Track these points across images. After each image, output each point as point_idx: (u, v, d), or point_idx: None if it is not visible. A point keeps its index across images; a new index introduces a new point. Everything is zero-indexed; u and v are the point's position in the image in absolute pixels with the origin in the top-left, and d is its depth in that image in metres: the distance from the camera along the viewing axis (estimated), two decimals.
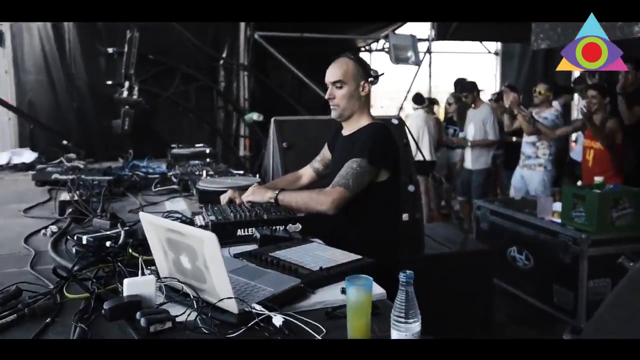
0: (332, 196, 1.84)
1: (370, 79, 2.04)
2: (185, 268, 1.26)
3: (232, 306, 1.18)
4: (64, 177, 2.84)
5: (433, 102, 6.34)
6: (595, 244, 3.03)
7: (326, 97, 2.05)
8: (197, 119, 5.90)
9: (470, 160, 5.30)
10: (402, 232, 2.62)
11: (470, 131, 5.30)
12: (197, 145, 4.20)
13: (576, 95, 7.34)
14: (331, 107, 2.05)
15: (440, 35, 6.98)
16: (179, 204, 2.48)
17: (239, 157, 6.06)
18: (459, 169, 5.71)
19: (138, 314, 1.10)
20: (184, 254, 1.24)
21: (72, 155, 4.14)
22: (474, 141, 5.23)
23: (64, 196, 2.30)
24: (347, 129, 2.10)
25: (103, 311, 1.14)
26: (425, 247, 3.03)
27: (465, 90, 5.38)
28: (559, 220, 3.30)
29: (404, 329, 1.02)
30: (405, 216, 2.81)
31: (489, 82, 9.51)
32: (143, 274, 1.24)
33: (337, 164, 2.07)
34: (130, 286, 1.19)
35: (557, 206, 3.39)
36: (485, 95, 8.76)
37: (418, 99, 5.96)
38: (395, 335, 1.03)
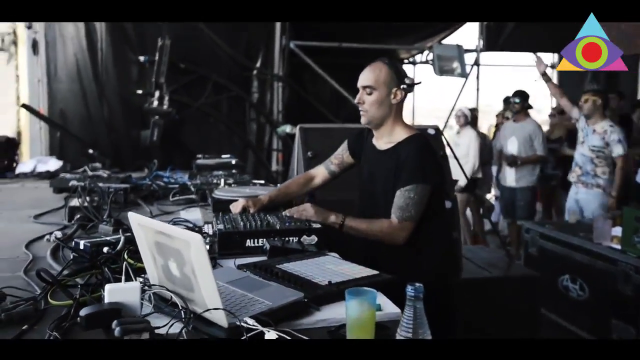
0: (404, 233, 1.88)
1: (403, 86, 1.98)
2: (173, 275, 1.19)
3: (221, 319, 1.10)
4: (80, 183, 2.87)
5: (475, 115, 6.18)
6: None
7: (355, 101, 2.02)
8: (228, 131, 5.94)
9: (514, 177, 5.08)
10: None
11: (513, 146, 5.09)
12: (223, 156, 4.20)
13: None
14: (360, 112, 2.01)
15: (490, 45, 6.81)
16: (194, 214, 2.44)
17: (271, 172, 6.05)
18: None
19: (114, 323, 1.04)
20: (172, 259, 1.17)
21: (97, 165, 4.21)
22: (525, 158, 5.02)
23: (74, 202, 2.30)
24: (382, 141, 2.04)
25: (79, 319, 1.09)
26: (464, 270, 2.87)
27: (519, 97, 5.13)
28: (619, 247, 3.07)
29: None
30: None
31: (543, 99, 9.16)
32: (130, 279, 1.18)
33: (375, 179, 2.03)
34: (112, 293, 1.13)
35: (617, 231, 3.15)
36: (539, 115, 8.42)
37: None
38: None
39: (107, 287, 1.15)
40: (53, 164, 3.89)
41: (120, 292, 1.14)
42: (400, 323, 0.94)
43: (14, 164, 3.88)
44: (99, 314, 1.09)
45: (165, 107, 5.31)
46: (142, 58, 5.42)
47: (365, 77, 1.98)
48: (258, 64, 5.94)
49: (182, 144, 5.59)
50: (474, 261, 3.05)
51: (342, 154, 2.22)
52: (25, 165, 3.79)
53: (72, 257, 1.65)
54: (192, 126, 5.68)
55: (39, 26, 5.41)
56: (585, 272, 3.26)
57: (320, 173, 2.25)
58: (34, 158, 4.17)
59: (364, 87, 1.97)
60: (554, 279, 3.47)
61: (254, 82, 6.00)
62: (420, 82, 2.09)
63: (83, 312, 1.09)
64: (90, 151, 4.48)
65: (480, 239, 5.80)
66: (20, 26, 5.54)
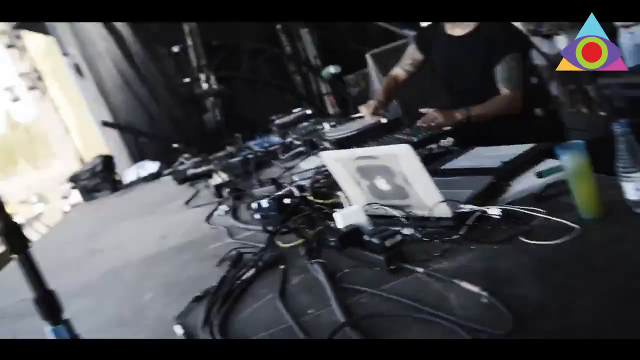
0: (519, 101, 2.09)
1: None
2: (383, 191, 1.39)
3: (445, 211, 1.29)
4: (198, 170, 3.13)
5: None
6: None
7: None
8: (278, 90, 6.05)
9: None
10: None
11: None
12: (294, 110, 4.35)
13: None
14: None
15: None
16: (313, 162, 2.63)
17: (331, 117, 6.17)
18: None
19: (366, 236, 1.25)
20: (379, 177, 1.36)
21: (187, 155, 4.46)
22: None
23: (216, 180, 2.55)
24: (458, 29, 2.18)
25: (333, 243, 1.30)
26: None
27: None
28: None
29: (637, 178, 1.06)
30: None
31: None
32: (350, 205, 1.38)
33: (461, 65, 2.19)
34: (344, 217, 1.34)
35: None
36: None
37: None
38: (629, 188, 1.07)
39: (337, 213, 1.35)
40: (151, 166, 4.19)
41: (349, 215, 1.35)
42: (617, 159, 1.07)
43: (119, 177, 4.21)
44: (350, 233, 1.29)
45: (215, 86, 5.48)
46: (175, 48, 5.52)
47: None
48: None
49: (242, 116, 5.77)
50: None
51: (412, 53, 2.39)
52: (129, 174, 4.10)
53: (259, 217, 1.86)
54: (243, 96, 5.83)
55: (72, 50, 5.61)
56: None
57: (399, 74, 2.44)
58: (132, 167, 4.47)
59: None
60: None
61: (281, 37, 6.05)
62: None
63: (333, 237, 1.31)
64: (175, 145, 4.72)
65: None
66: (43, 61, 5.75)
